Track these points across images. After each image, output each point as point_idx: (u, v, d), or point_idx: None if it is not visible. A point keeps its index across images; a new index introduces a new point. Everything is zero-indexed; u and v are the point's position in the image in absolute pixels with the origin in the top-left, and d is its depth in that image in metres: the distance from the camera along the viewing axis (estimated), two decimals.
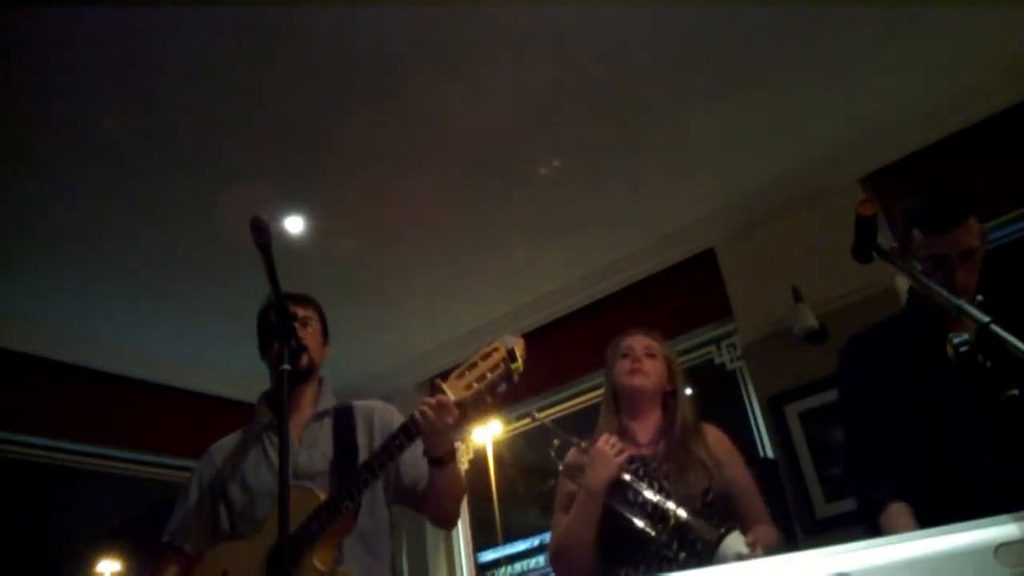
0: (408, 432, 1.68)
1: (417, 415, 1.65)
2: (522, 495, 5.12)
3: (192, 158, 2.80)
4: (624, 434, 2.01)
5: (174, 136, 2.69)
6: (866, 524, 1.63)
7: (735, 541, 1.67)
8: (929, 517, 0.92)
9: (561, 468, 2.01)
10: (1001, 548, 0.76)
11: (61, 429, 3.67)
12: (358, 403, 2.04)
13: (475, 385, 1.63)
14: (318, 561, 1.65)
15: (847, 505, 2.78)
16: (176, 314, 3.72)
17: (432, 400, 1.65)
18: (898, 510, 1.55)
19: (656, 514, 1.79)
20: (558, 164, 3.12)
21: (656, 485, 1.85)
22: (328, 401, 2.00)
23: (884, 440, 1.68)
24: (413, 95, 2.68)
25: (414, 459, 1.85)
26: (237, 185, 2.90)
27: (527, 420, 4.17)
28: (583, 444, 1.98)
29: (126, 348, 3.87)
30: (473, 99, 2.75)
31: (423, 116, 2.79)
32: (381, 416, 1.99)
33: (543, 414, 4.07)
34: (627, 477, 1.85)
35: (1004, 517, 0.79)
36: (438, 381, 1.69)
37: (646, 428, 2.02)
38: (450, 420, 1.65)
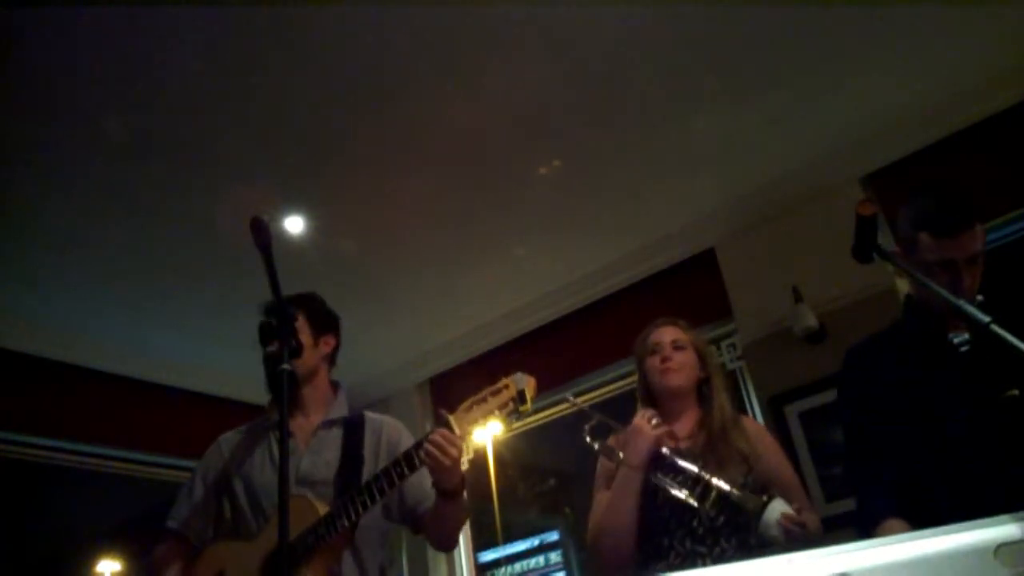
0: (411, 461, 1.68)
1: (430, 448, 1.65)
2: (522, 495, 5.12)
3: (192, 158, 2.80)
4: None
5: (174, 136, 2.69)
6: (861, 533, 1.63)
7: (777, 507, 1.67)
8: (930, 518, 0.92)
9: (598, 448, 1.98)
10: (1001, 548, 0.76)
11: (61, 429, 3.67)
12: (370, 415, 2.04)
13: (481, 421, 1.66)
14: (312, 575, 1.65)
15: (847, 505, 2.77)
16: (176, 314, 3.71)
17: (445, 433, 1.65)
18: (892, 527, 1.54)
19: (698, 488, 1.77)
20: (558, 164, 3.12)
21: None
22: (341, 410, 2.00)
23: (885, 445, 1.68)
24: (413, 95, 2.68)
25: (418, 482, 1.84)
26: (237, 185, 2.90)
27: (528, 420, 4.16)
28: (621, 429, 1.96)
29: (126, 348, 3.87)
30: (473, 99, 2.75)
31: (423, 116, 2.79)
32: (389, 433, 1.99)
33: (543, 414, 4.07)
34: (665, 451, 1.83)
35: (1004, 517, 0.79)
36: (443, 412, 1.70)
37: (685, 422, 2.00)
38: (456, 455, 1.67)
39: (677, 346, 2.02)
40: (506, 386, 1.67)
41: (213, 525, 1.92)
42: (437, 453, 1.64)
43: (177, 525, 1.92)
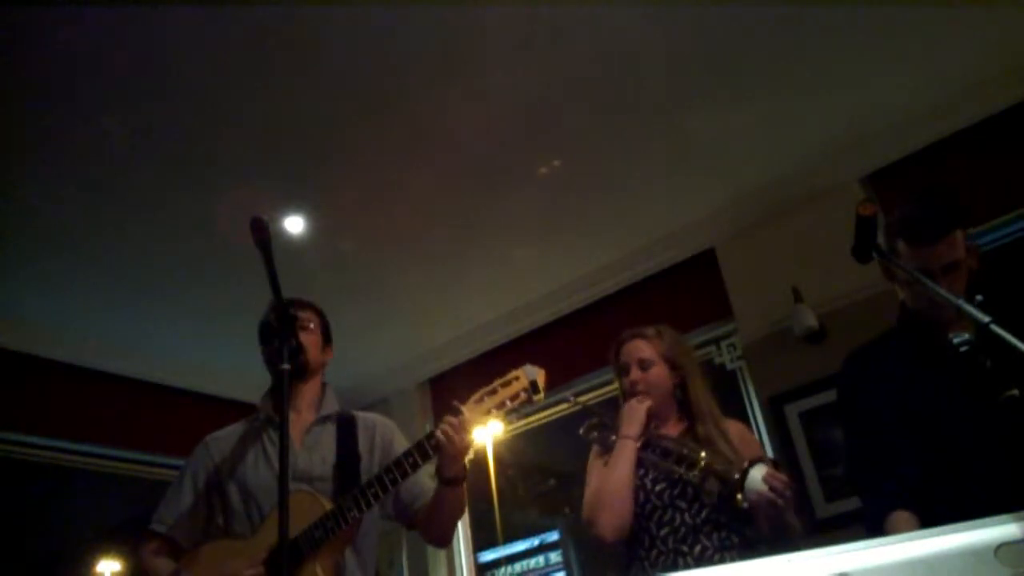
0: (423, 450, 1.69)
1: (440, 435, 1.67)
2: (522, 495, 5.12)
3: (192, 158, 2.80)
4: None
5: (174, 136, 2.69)
6: (871, 533, 1.63)
7: (759, 470, 1.70)
8: (931, 518, 0.92)
9: (593, 436, 2.03)
10: (1001, 548, 0.76)
11: (61, 429, 3.67)
12: (359, 413, 2.04)
13: (494, 412, 1.68)
14: (320, 569, 1.65)
15: (847, 505, 2.78)
16: (176, 314, 3.72)
17: (455, 420, 1.67)
18: (900, 519, 1.54)
19: (685, 460, 1.82)
20: (558, 164, 3.12)
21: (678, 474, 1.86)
22: (332, 407, 2.01)
23: (886, 446, 1.68)
24: (413, 95, 2.68)
25: (415, 478, 1.84)
26: (237, 185, 2.90)
27: (527, 420, 4.17)
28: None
29: (126, 348, 3.87)
30: (473, 99, 2.75)
31: (423, 116, 2.79)
32: (382, 431, 2.00)
33: (543, 414, 4.08)
34: (654, 435, 1.91)
35: (1004, 517, 0.79)
36: (456, 403, 1.71)
37: (669, 429, 2.00)
38: (469, 442, 1.68)
39: (644, 366, 2.00)
40: (516, 377, 1.68)
41: (203, 527, 1.90)
42: (448, 438, 1.66)
43: (165, 529, 1.89)
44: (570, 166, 3.14)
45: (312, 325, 1.99)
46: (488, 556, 4.46)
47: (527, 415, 4.12)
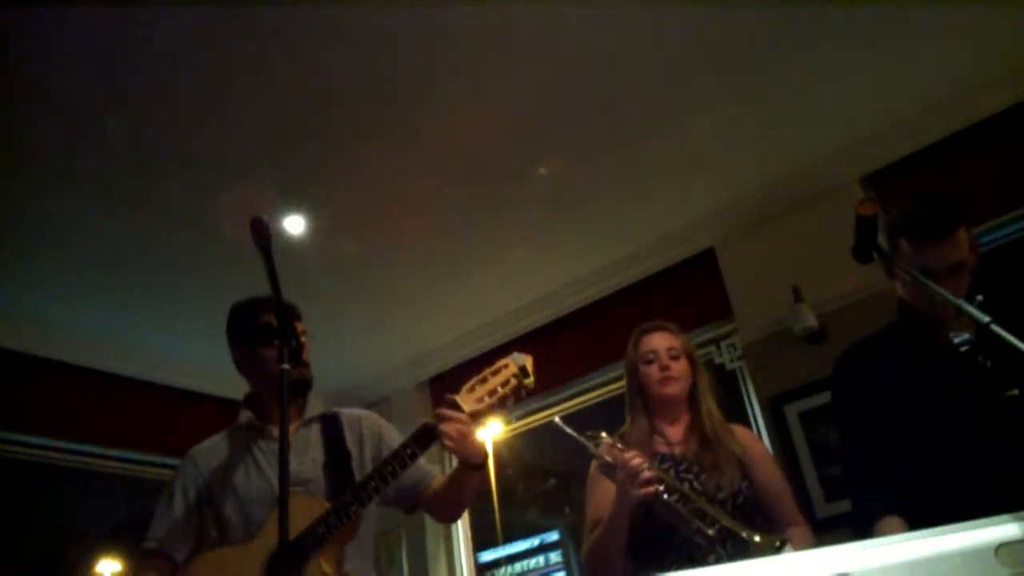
0: (420, 440, 1.69)
1: (447, 440, 1.67)
2: (522, 495, 5.12)
3: (191, 157, 2.80)
4: (655, 434, 1.98)
5: (174, 136, 2.69)
6: (860, 536, 1.63)
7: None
8: (930, 518, 0.92)
9: (599, 464, 1.93)
10: (1001, 548, 0.76)
11: (61, 429, 3.67)
12: (343, 410, 2.05)
13: (486, 399, 1.69)
14: (325, 564, 1.65)
15: (847, 505, 2.77)
16: (177, 314, 3.71)
17: (456, 415, 1.68)
18: (890, 524, 1.54)
19: (706, 519, 1.71)
20: (558, 164, 3.12)
21: (688, 484, 1.81)
22: (315, 408, 2.01)
23: (882, 447, 1.68)
24: (413, 95, 2.68)
25: (417, 462, 1.85)
26: (237, 185, 2.90)
27: (527, 420, 4.17)
28: (612, 441, 1.90)
29: (126, 347, 3.87)
30: (473, 99, 2.76)
31: (423, 116, 2.79)
32: (368, 423, 2.01)
33: (543, 414, 4.08)
34: (664, 496, 1.75)
35: (1004, 517, 0.79)
36: (449, 396, 1.72)
37: (678, 427, 2.00)
38: (467, 428, 1.69)
39: (673, 355, 2.01)
40: (505, 365, 1.71)
41: (196, 540, 1.88)
42: (460, 434, 1.67)
43: (158, 545, 1.86)
44: (570, 166, 3.14)
45: (306, 336, 1.96)
46: (488, 556, 4.46)
47: (527, 414, 4.13)
